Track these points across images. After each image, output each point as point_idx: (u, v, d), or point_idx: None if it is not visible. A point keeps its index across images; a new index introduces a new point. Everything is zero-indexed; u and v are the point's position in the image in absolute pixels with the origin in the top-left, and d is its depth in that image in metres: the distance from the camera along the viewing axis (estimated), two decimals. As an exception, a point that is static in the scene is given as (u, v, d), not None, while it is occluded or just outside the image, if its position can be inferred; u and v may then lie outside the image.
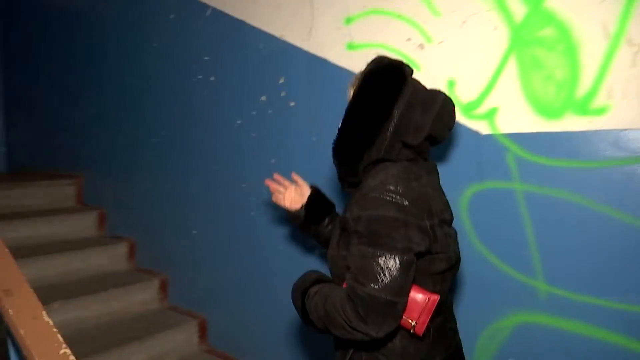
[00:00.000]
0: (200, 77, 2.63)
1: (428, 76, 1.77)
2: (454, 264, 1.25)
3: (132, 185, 3.14)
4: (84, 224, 3.22)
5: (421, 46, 1.79)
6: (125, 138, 3.15)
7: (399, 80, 1.21)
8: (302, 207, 1.53)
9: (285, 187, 1.58)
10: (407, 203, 1.09)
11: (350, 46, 1.99)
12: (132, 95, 3.09)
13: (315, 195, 1.54)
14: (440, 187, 1.31)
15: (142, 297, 2.78)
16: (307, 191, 1.54)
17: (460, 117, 1.69)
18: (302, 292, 1.25)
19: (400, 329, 1.17)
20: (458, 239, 1.30)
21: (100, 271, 2.91)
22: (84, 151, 3.51)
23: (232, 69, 2.49)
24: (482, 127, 1.66)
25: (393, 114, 1.18)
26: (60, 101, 3.73)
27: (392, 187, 1.11)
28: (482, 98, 1.65)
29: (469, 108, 1.68)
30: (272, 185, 1.60)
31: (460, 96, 1.70)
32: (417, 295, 1.13)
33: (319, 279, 1.27)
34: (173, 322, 2.65)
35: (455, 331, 1.34)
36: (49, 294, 2.51)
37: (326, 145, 1.87)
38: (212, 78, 2.58)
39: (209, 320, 2.70)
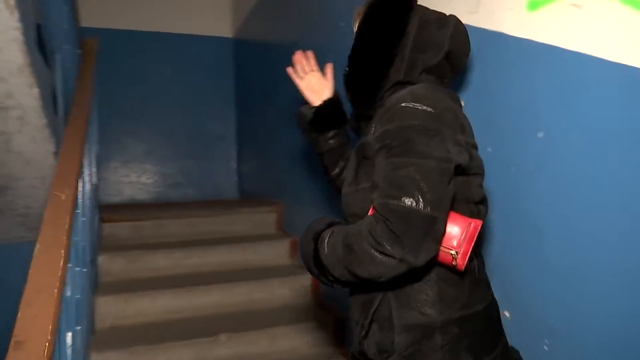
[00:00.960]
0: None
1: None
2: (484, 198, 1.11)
3: (315, 213, 2.94)
4: (277, 252, 3.16)
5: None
6: (311, 163, 2.99)
7: (406, 1, 1.13)
8: (312, 108, 1.36)
9: (312, 69, 1.40)
10: (439, 112, 0.99)
11: (533, 4, 1.31)
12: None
13: (332, 102, 1.35)
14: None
15: (314, 337, 2.49)
16: (328, 90, 1.37)
17: None
18: (314, 235, 1.05)
19: (435, 270, 1.02)
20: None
21: (280, 303, 2.76)
22: (285, 179, 3.51)
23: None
24: None
25: (408, 32, 1.10)
26: (271, 133, 3.87)
27: (421, 96, 1.00)
28: None
29: None
30: (298, 57, 1.41)
31: None
32: (457, 220, 0.97)
33: (333, 223, 1.07)
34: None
35: (489, 285, 1.15)
36: (223, 323, 2.45)
37: (505, 158, 1.26)
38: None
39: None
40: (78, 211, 1.78)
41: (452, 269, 0.99)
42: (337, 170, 1.36)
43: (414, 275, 0.99)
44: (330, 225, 1.06)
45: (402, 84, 1.09)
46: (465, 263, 0.95)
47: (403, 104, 0.98)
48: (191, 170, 4.75)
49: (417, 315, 1.00)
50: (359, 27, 1.14)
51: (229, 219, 3.37)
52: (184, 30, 4.76)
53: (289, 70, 1.43)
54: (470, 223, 0.96)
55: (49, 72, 2.13)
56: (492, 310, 1.11)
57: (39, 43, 2.26)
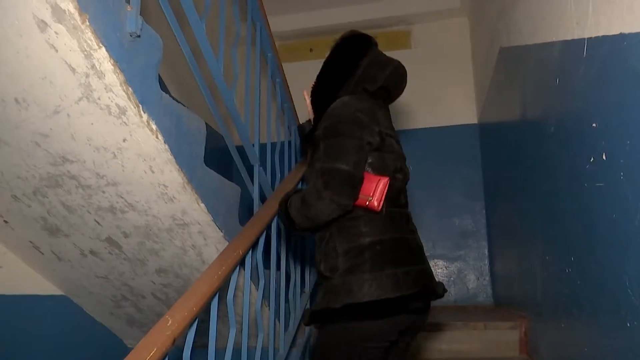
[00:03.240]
0: (591, 159, 1.52)
1: None
2: (400, 168, 1.59)
3: (571, 332, 2.09)
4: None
5: None
6: (546, 266, 2.20)
7: (365, 45, 1.68)
8: (311, 124, 1.78)
9: None
10: (358, 110, 1.52)
11: None
12: (544, 209, 2.16)
13: None
14: (392, 125, 1.67)
15: None
16: None
17: None
18: (285, 198, 1.58)
19: (363, 214, 1.48)
20: None
21: None
22: (534, 286, 2.70)
23: (620, 129, 1.29)
24: None
25: (359, 67, 1.63)
26: (526, 227, 3.16)
27: (347, 102, 1.56)
28: None
29: None
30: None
31: None
32: (371, 179, 1.47)
33: (298, 190, 1.59)
34: None
35: (407, 228, 1.58)
36: None
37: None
38: (603, 156, 1.43)
39: None
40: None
41: (374, 213, 1.48)
42: None
43: (349, 218, 1.49)
44: (296, 191, 1.56)
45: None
46: (380, 206, 1.46)
47: (335, 109, 1.55)
48: (437, 269, 4.30)
49: (352, 242, 1.48)
50: (327, 58, 1.69)
51: (456, 336, 2.75)
52: (428, 124, 4.61)
53: (304, 91, 1.80)
54: (379, 179, 1.47)
55: (232, 186, 2.20)
56: (411, 243, 1.55)
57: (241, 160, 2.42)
